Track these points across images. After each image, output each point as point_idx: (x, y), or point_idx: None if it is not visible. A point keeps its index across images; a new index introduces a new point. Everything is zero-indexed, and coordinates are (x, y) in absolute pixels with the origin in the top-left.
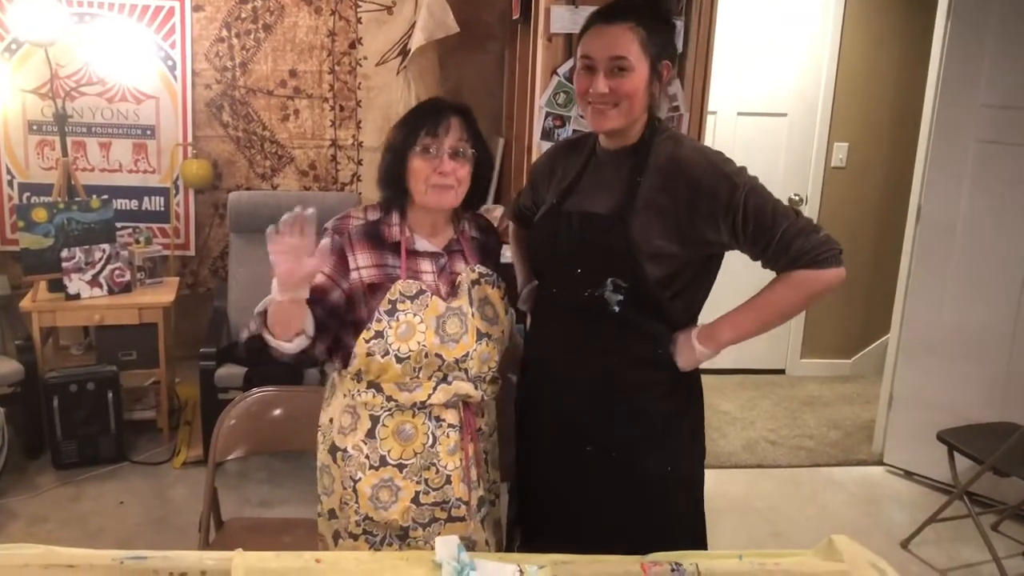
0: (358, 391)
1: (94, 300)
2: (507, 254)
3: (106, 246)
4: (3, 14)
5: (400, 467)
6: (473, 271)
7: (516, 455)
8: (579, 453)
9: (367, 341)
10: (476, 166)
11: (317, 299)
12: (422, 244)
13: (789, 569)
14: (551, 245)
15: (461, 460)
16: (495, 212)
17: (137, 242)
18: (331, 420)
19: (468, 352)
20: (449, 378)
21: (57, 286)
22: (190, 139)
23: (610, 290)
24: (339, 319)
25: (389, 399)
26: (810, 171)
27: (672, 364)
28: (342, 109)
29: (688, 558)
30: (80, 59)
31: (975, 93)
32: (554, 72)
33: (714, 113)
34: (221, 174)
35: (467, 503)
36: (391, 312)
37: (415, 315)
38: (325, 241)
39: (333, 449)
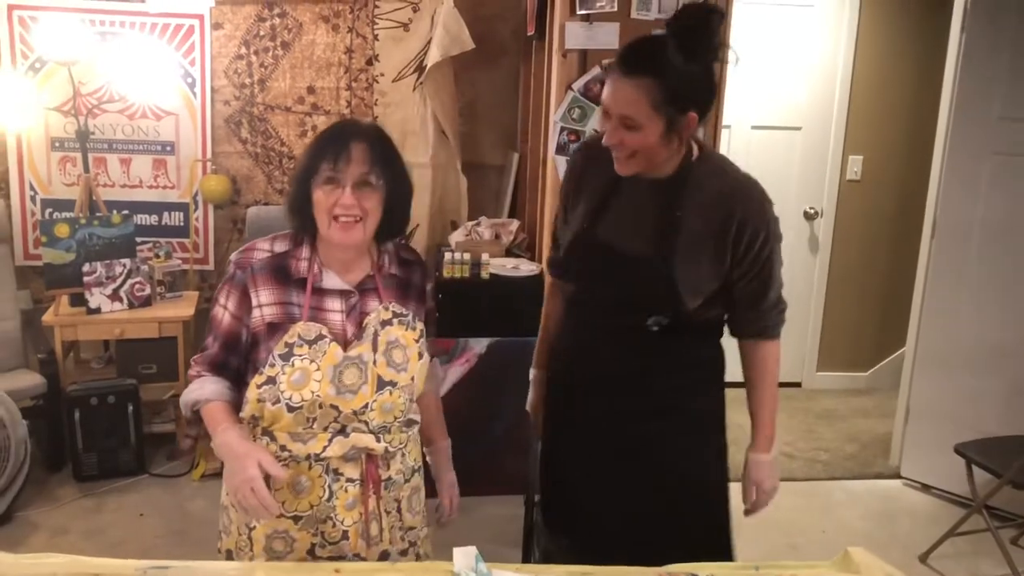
0: (254, 436)
1: (115, 314)
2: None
3: (126, 261)
4: (28, 33)
5: (295, 519)
6: (387, 310)
7: (541, 462)
8: (615, 456)
9: (259, 387)
10: (389, 194)
11: (232, 347)
12: (331, 281)
13: None
14: (588, 276)
15: (360, 515)
16: (511, 226)
17: (157, 257)
18: None
19: (367, 404)
20: (347, 430)
21: (78, 300)
22: (209, 155)
23: (650, 323)
24: (245, 357)
25: (283, 448)
26: (825, 184)
27: (706, 366)
28: None
29: (705, 569)
30: (102, 77)
31: (990, 105)
32: (569, 87)
33: (728, 127)
34: (240, 190)
35: (363, 559)
36: (286, 356)
37: (311, 361)
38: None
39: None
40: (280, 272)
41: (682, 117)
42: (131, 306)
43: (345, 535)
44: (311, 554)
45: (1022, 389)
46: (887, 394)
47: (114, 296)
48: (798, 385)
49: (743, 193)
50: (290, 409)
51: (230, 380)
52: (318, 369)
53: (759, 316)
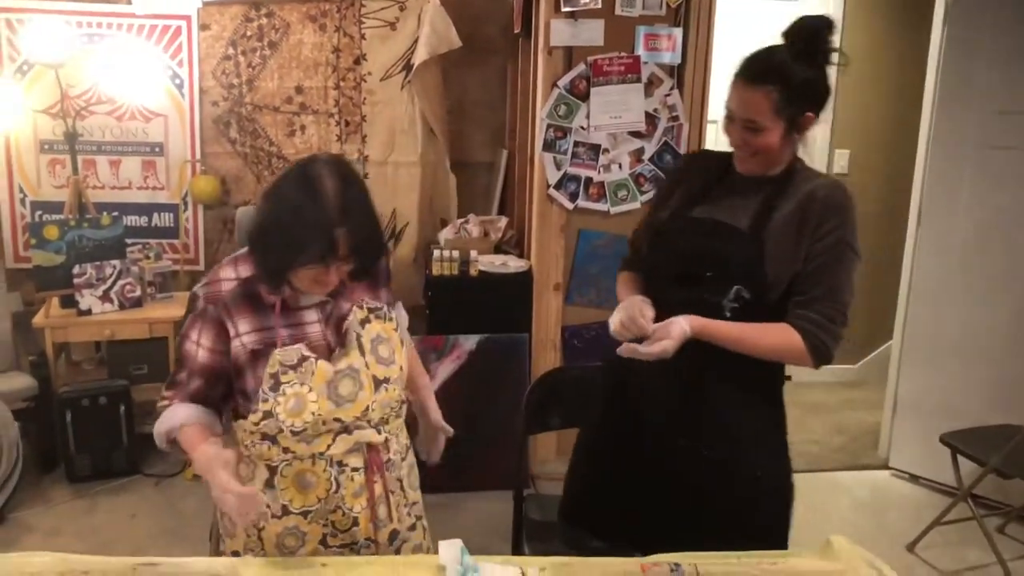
0: (252, 442)
1: (105, 315)
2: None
3: (117, 262)
4: (15, 36)
5: (304, 514)
6: (362, 308)
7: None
8: (669, 446)
9: (256, 424)
10: (365, 254)
11: (207, 379)
12: (305, 298)
13: (786, 569)
14: (678, 246)
15: (368, 500)
16: (499, 223)
17: (147, 258)
18: None
19: (368, 406)
20: (350, 428)
21: (69, 302)
22: (198, 156)
23: (731, 298)
24: (230, 385)
25: (287, 450)
26: None
27: (769, 369)
28: (347, 124)
29: (687, 559)
30: (89, 79)
31: (973, 98)
32: (555, 84)
33: (714, 122)
34: (229, 190)
35: (375, 541)
36: (275, 387)
37: (302, 385)
38: (199, 308)
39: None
40: (253, 299)
41: (801, 118)
42: (122, 307)
43: (355, 522)
44: (323, 544)
45: (1009, 380)
46: (876, 386)
47: (105, 297)
48: (788, 378)
49: (827, 187)
50: (294, 434)
51: (210, 407)
52: (311, 390)
53: (804, 301)
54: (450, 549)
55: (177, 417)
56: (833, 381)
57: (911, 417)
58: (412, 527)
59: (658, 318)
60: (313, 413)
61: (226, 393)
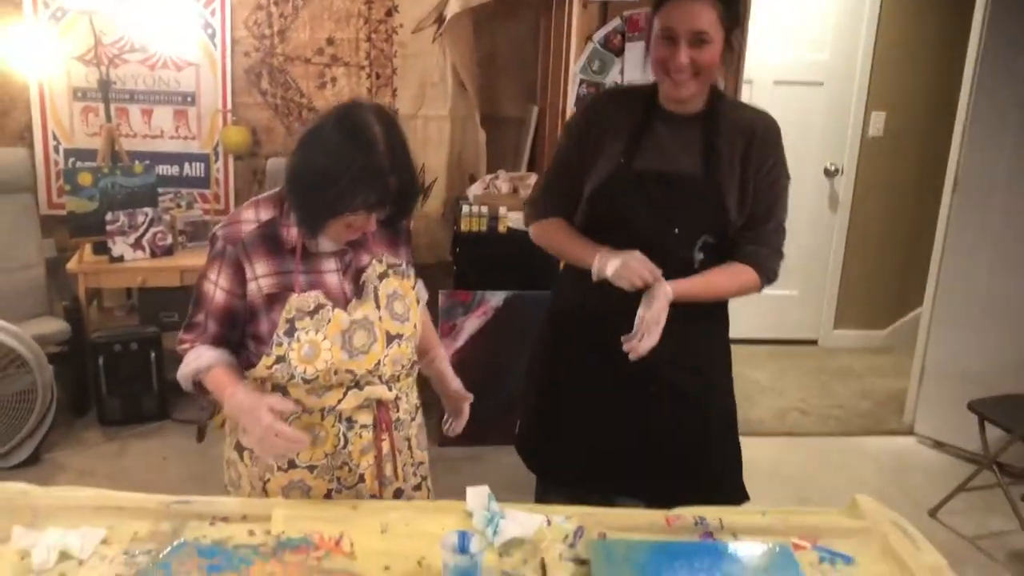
0: (264, 392)
1: (137, 262)
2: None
3: (148, 210)
4: None
5: (311, 468)
6: (380, 262)
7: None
8: (641, 393)
9: (269, 368)
10: (416, 191)
11: (223, 321)
12: (324, 244)
13: (811, 524)
14: (631, 205)
15: (375, 458)
16: (528, 180)
17: (178, 206)
18: None
19: (379, 360)
20: (361, 383)
21: (101, 249)
22: (229, 106)
23: (699, 247)
24: (242, 329)
25: (297, 402)
26: (847, 141)
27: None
28: (378, 77)
29: (711, 513)
30: (123, 27)
31: (1017, 61)
32: (589, 39)
33: (750, 82)
34: (260, 141)
35: (379, 499)
36: (290, 332)
37: (317, 332)
38: (218, 249)
39: (239, 447)
40: (272, 241)
41: (733, 35)
42: (153, 255)
43: (361, 478)
44: (328, 499)
45: None
46: (904, 352)
47: (136, 245)
48: (814, 343)
49: (763, 121)
50: (305, 382)
51: (227, 349)
52: (326, 338)
53: (756, 237)
54: (478, 495)
55: (204, 359)
56: (860, 347)
57: (938, 384)
58: (417, 487)
59: (603, 290)
60: (326, 362)
61: (240, 341)
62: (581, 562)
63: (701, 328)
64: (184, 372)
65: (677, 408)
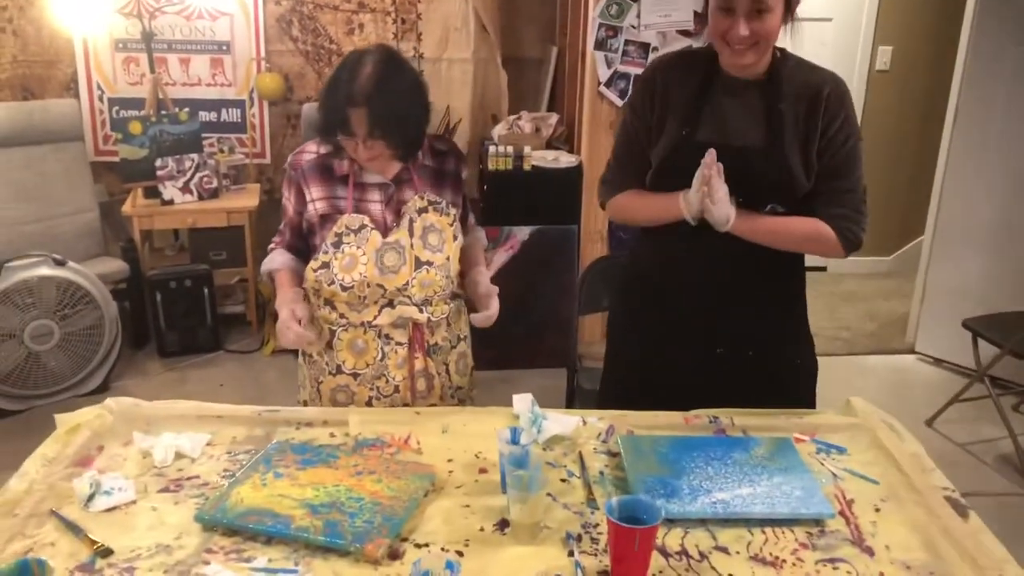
0: (317, 305)
1: (186, 205)
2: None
3: (194, 155)
4: None
5: (355, 376)
6: (422, 199)
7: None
8: (708, 354)
9: (315, 271)
10: (398, 132)
11: (294, 231)
12: (370, 176)
13: (810, 422)
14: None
15: (408, 372)
16: (550, 120)
17: (221, 151)
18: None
19: (408, 281)
20: (394, 303)
21: (152, 193)
22: (263, 54)
23: (766, 211)
24: (307, 240)
25: (342, 316)
26: (854, 75)
27: (797, 264)
28: (403, 22)
29: (724, 413)
30: None
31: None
32: None
33: None
34: (292, 87)
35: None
36: (337, 244)
37: (358, 247)
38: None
39: (302, 353)
40: (326, 171)
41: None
42: (200, 198)
43: (396, 389)
44: (368, 405)
45: None
46: (909, 277)
47: (185, 188)
48: (823, 269)
49: (828, 81)
50: (343, 288)
51: (301, 257)
52: (363, 254)
53: (829, 198)
54: (522, 401)
55: (275, 262)
56: (867, 272)
57: (938, 305)
58: (461, 402)
59: (687, 252)
60: (361, 274)
61: (308, 249)
62: (613, 454)
63: (783, 294)
64: (264, 268)
65: (761, 372)
